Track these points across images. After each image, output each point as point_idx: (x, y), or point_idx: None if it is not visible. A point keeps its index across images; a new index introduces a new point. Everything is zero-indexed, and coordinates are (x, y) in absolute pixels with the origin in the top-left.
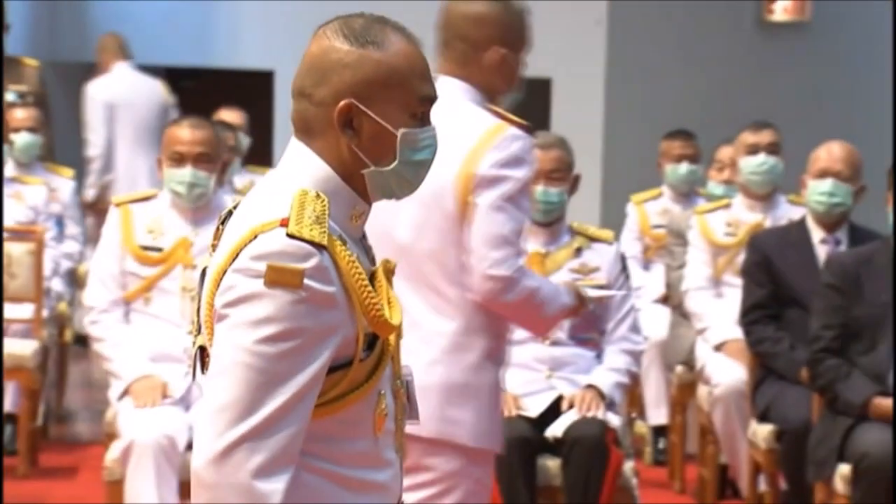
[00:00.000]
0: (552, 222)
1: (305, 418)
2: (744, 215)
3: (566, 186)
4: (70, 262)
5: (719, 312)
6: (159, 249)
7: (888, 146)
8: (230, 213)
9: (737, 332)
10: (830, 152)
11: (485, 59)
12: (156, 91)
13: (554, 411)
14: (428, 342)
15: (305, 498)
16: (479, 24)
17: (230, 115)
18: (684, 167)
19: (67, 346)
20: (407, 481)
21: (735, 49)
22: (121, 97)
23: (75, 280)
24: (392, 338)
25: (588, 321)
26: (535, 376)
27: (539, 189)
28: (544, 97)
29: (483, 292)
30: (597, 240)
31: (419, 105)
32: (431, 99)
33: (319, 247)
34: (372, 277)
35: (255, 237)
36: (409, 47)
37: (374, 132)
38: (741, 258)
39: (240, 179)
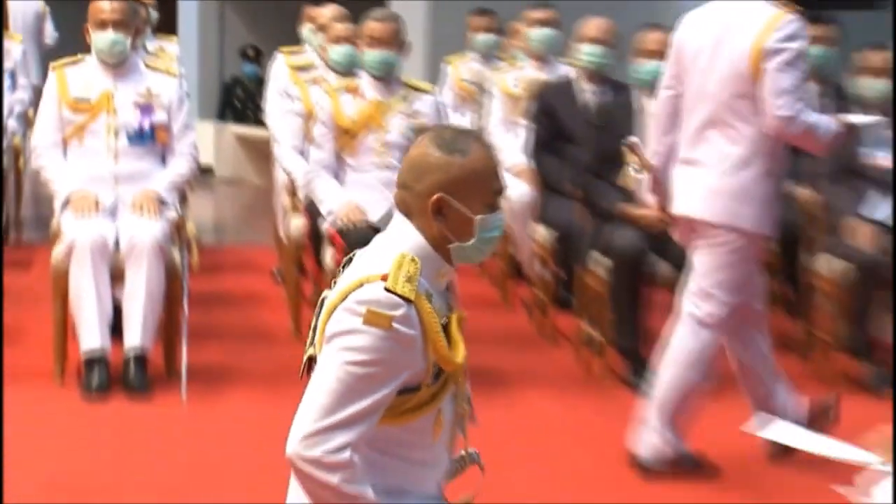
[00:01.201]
0: (387, 78)
1: (370, 426)
2: (531, 73)
3: (398, 50)
4: (21, 107)
5: (511, 145)
6: (88, 100)
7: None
8: (350, 260)
9: (523, 159)
10: (599, 25)
11: None
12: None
13: (389, 217)
14: (721, 161)
15: (374, 467)
16: None
17: None
18: (487, 37)
19: (22, 171)
20: (702, 241)
21: None
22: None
23: (26, 120)
24: (458, 371)
25: None
26: (375, 194)
27: (377, 52)
28: None
29: (772, 128)
30: (422, 91)
31: (492, 197)
32: (501, 191)
33: (408, 301)
34: (447, 324)
35: (362, 285)
36: (486, 153)
37: (458, 218)
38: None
39: (151, 45)
